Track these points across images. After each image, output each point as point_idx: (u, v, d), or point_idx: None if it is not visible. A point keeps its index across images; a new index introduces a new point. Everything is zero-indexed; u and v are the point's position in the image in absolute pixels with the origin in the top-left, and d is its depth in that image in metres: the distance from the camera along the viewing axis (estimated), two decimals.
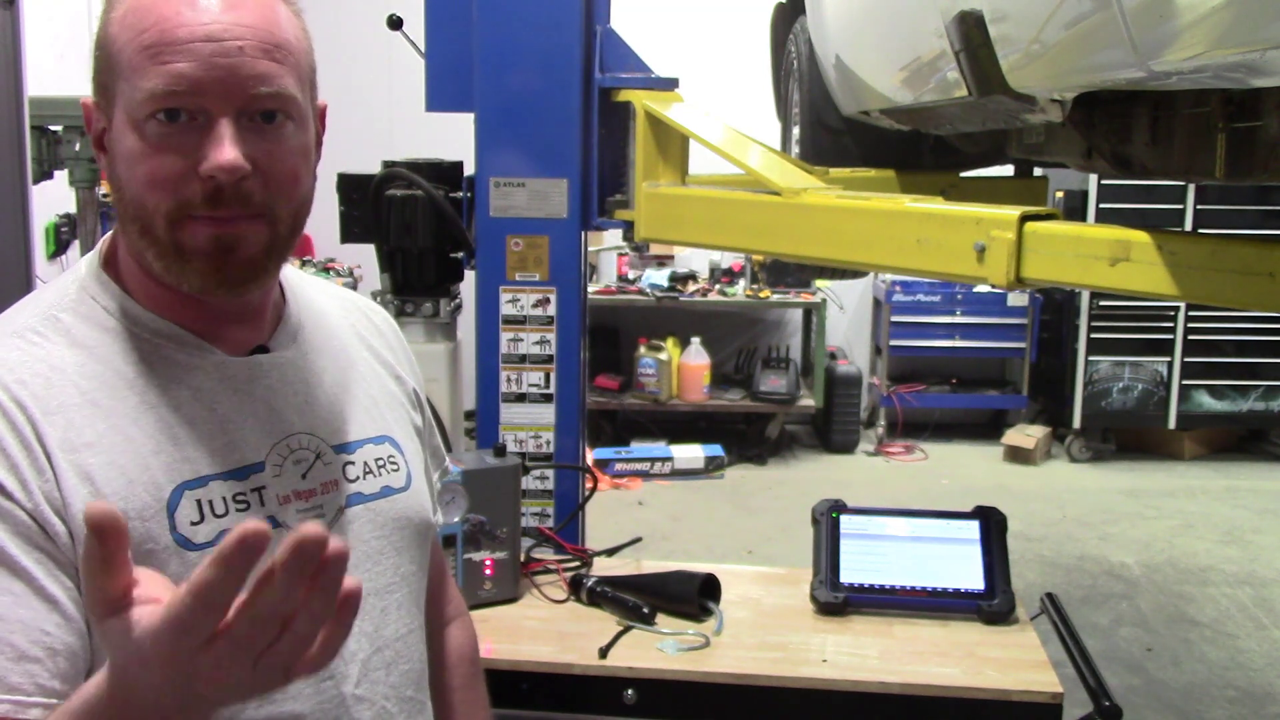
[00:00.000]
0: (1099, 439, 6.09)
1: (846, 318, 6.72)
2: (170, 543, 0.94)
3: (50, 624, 0.89)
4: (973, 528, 2.09)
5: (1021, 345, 6.21)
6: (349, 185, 2.56)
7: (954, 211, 1.62)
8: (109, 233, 1.06)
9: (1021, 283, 1.50)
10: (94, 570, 0.70)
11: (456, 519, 1.97)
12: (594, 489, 2.38)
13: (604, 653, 1.84)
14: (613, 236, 5.11)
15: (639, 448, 5.84)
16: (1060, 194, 5.77)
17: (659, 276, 6.13)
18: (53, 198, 3.33)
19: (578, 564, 2.15)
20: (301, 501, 1.03)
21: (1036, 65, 1.56)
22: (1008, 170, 2.75)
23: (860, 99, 2.53)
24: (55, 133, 2.81)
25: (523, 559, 2.10)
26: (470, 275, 2.56)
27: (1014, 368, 6.45)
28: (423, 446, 1.22)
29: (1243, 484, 5.72)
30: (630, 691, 1.81)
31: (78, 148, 2.82)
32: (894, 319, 6.22)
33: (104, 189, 3.09)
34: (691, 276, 6.18)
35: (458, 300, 2.69)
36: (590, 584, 2.03)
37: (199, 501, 0.97)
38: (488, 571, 2.02)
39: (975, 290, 6.07)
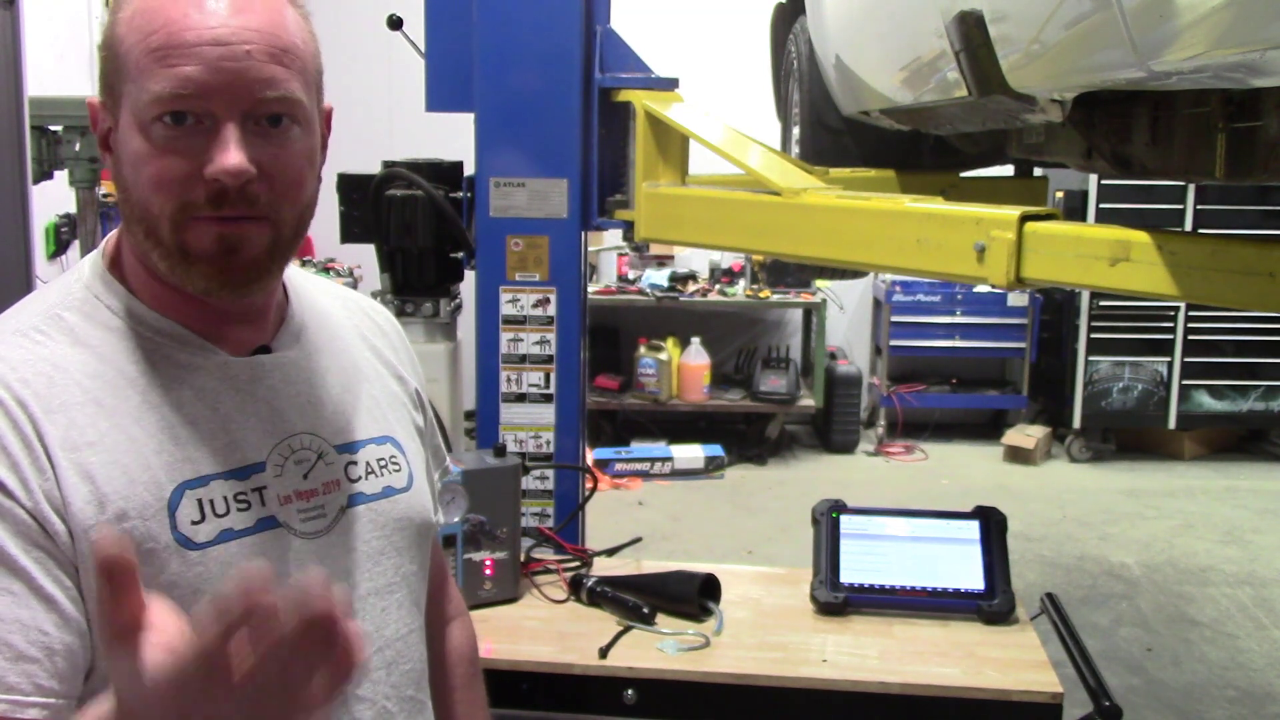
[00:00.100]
0: (1099, 439, 6.09)
1: (846, 318, 6.72)
2: (171, 541, 0.94)
3: (49, 624, 0.89)
4: (973, 528, 2.09)
5: (1021, 345, 6.21)
6: (349, 185, 2.56)
7: (954, 211, 1.62)
8: (112, 232, 1.06)
9: (1021, 283, 1.50)
10: (104, 598, 0.70)
11: (456, 519, 1.97)
12: (594, 489, 2.38)
13: (604, 653, 1.84)
14: (613, 236, 5.11)
15: (639, 448, 5.84)
16: (1060, 194, 5.77)
17: (659, 276, 6.13)
18: (53, 198, 3.34)
19: (578, 564, 2.15)
20: (303, 501, 1.03)
21: (1036, 65, 1.56)
22: (1008, 170, 2.75)
23: (860, 99, 2.53)
24: (55, 133, 2.81)
25: (523, 559, 2.10)
26: (470, 275, 2.56)
27: (1014, 368, 6.46)
28: (424, 447, 1.22)
29: (1243, 484, 5.72)
30: (630, 691, 1.81)
31: (78, 148, 2.82)
32: (894, 319, 6.22)
33: (104, 189, 3.09)
34: (691, 276, 6.18)
35: (458, 300, 2.69)
36: (590, 584, 2.03)
37: (200, 501, 0.97)
38: (488, 571, 2.02)
39: (975, 290, 6.07)
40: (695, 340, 6.04)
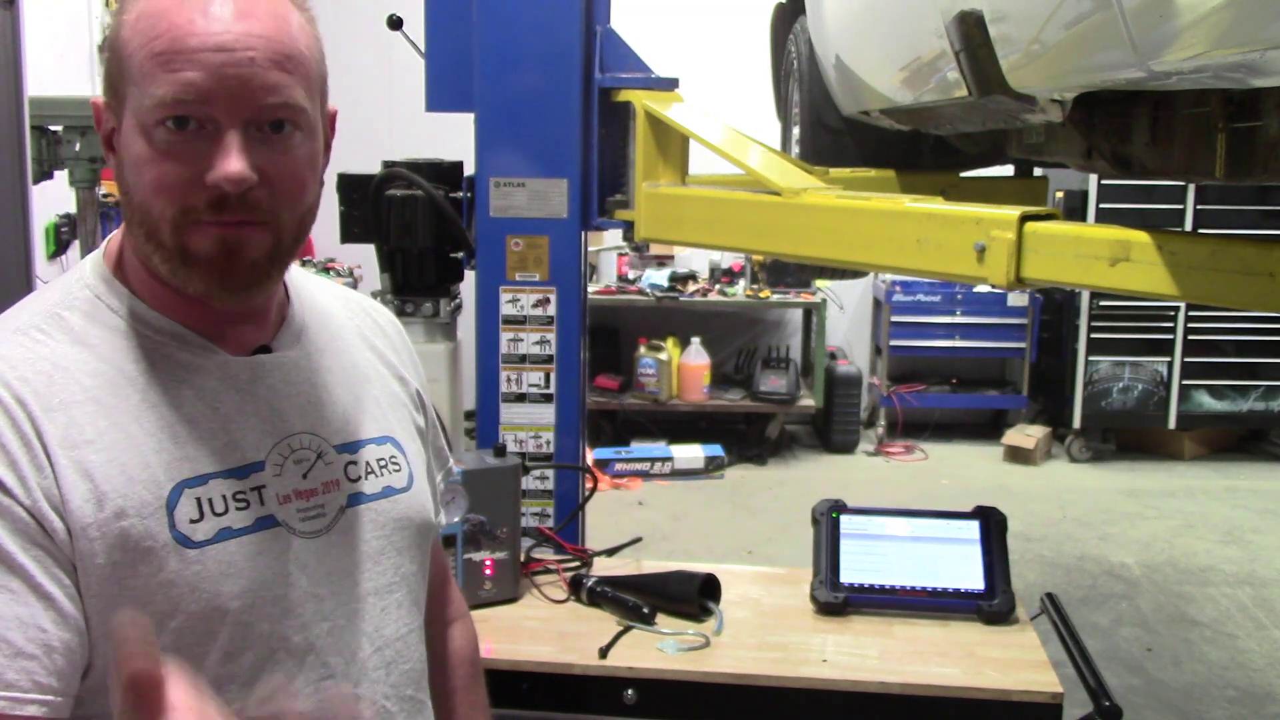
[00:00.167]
0: (1099, 439, 6.09)
1: (846, 318, 6.72)
2: (169, 540, 0.94)
3: (47, 621, 0.89)
4: (973, 528, 2.09)
5: (1021, 345, 6.21)
6: (349, 185, 2.56)
7: (954, 211, 1.62)
8: (115, 231, 1.06)
9: (1021, 283, 1.50)
10: (125, 709, 0.69)
11: (456, 519, 1.97)
12: (594, 489, 2.38)
13: (604, 653, 1.84)
14: (613, 236, 5.11)
15: (639, 448, 5.84)
16: (1060, 194, 5.76)
17: (659, 276, 6.13)
18: (53, 198, 3.34)
19: (578, 564, 2.15)
20: (302, 501, 1.03)
21: (1036, 65, 1.56)
22: (1008, 170, 2.75)
23: (860, 99, 2.52)
24: (55, 133, 2.81)
25: (523, 559, 2.10)
26: (470, 275, 2.56)
27: (1014, 368, 6.45)
28: (425, 447, 1.22)
29: (1243, 484, 5.72)
30: (630, 691, 1.81)
31: (78, 148, 2.81)
32: (894, 319, 6.22)
33: (104, 189, 3.09)
34: (691, 276, 6.18)
35: (458, 300, 2.69)
36: (590, 584, 2.03)
37: (199, 499, 0.97)
38: (488, 571, 2.02)
39: (975, 290, 6.07)
40: (695, 340, 6.04)
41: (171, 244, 0.95)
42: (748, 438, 6.18)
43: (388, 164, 2.54)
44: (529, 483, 2.44)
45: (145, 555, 0.93)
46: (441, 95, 2.50)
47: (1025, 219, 1.48)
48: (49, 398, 0.94)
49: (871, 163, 2.67)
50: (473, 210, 2.49)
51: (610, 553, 2.23)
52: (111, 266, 1.03)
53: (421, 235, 2.50)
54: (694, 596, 1.97)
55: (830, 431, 6.19)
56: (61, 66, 4.56)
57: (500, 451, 2.08)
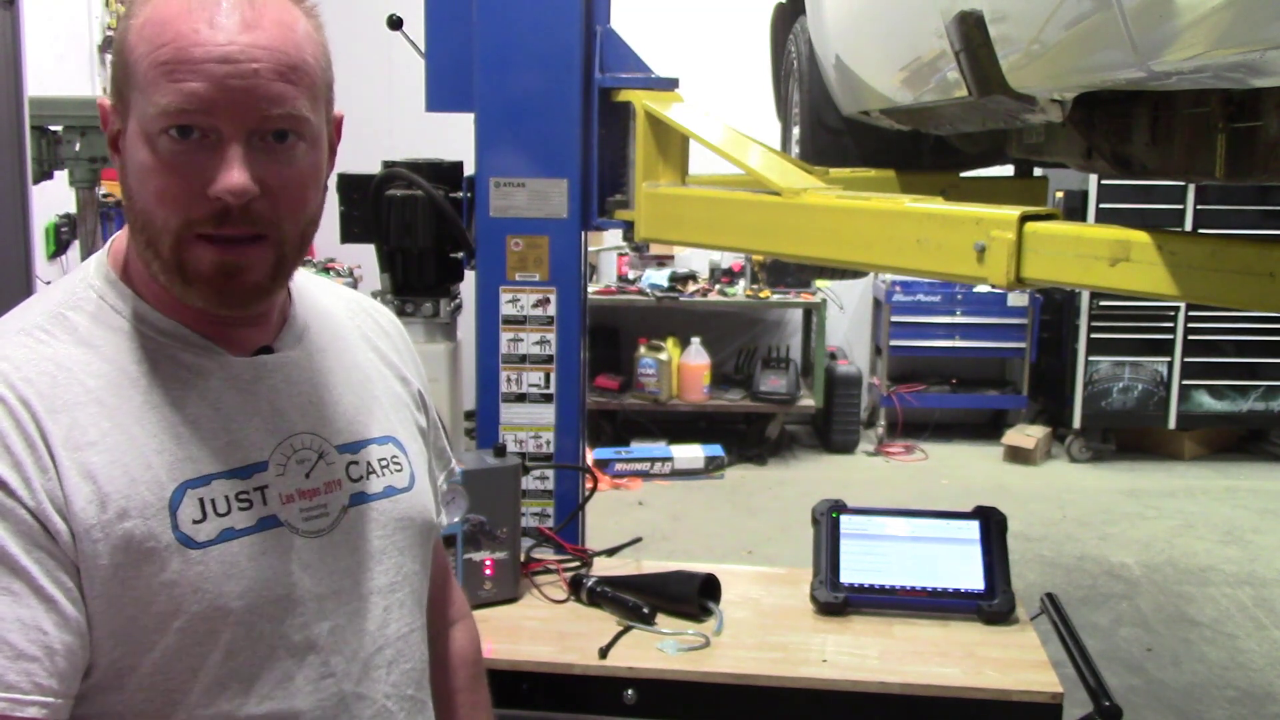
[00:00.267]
0: (1099, 439, 6.09)
1: (846, 318, 6.72)
2: (172, 541, 0.94)
3: (48, 623, 0.89)
4: (973, 528, 2.09)
5: (1021, 345, 6.21)
6: (349, 185, 2.56)
7: (954, 211, 1.62)
8: (119, 231, 1.06)
9: (1021, 283, 1.50)
10: None
11: (456, 519, 1.96)
12: (594, 489, 2.38)
13: (604, 653, 1.84)
14: (613, 236, 5.11)
15: (639, 448, 5.84)
16: (1060, 194, 5.77)
17: (659, 276, 6.13)
18: (53, 198, 3.34)
19: (578, 564, 2.15)
20: (304, 501, 1.04)
21: (1036, 65, 1.56)
22: (1008, 170, 2.75)
23: (860, 99, 2.53)
24: (55, 133, 2.81)
25: (523, 559, 2.10)
26: (470, 275, 2.56)
27: (1014, 368, 6.45)
28: (426, 447, 1.22)
29: (1243, 484, 5.72)
30: (630, 691, 1.81)
31: (78, 148, 2.82)
32: (894, 319, 6.22)
33: (104, 189, 3.09)
34: (691, 276, 6.18)
35: (458, 300, 2.69)
36: (590, 584, 2.03)
37: (201, 500, 0.97)
38: (488, 571, 2.02)
39: (975, 290, 6.07)
40: (695, 340, 6.04)
41: (170, 257, 0.95)
42: (748, 438, 6.18)
43: (388, 164, 2.54)
44: (529, 483, 2.44)
45: (148, 556, 0.93)
46: (441, 95, 2.50)
47: (1025, 219, 1.48)
48: (53, 399, 0.94)
49: (871, 163, 2.67)
50: (473, 210, 2.49)
51: (610, 553, 2.23)
52: (116, 267, 1.03)
53: (421, 235, 2.50)
54: (694, 596, 1.97)
55: (830, 431, 6.19)
56: (61, 66, 4.56)
57: (500, 451, 2.08)
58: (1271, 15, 0.96)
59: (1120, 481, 5.73)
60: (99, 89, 4.79)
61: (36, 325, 0.99)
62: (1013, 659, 1.86)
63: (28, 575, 0.89)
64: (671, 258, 6.31)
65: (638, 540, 2.28)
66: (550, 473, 2.54)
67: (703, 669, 1.82)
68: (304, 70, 0.96)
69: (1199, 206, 5.66)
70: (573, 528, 2.47)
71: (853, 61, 2.49)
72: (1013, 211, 1.50)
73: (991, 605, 1.98)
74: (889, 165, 2.61)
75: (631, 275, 6.25)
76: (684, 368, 6.03)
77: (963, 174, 2.67)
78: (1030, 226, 1.47)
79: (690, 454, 5.74)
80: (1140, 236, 1.33)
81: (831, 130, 2.81)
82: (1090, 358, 5.94)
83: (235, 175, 0.92)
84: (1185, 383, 5.93)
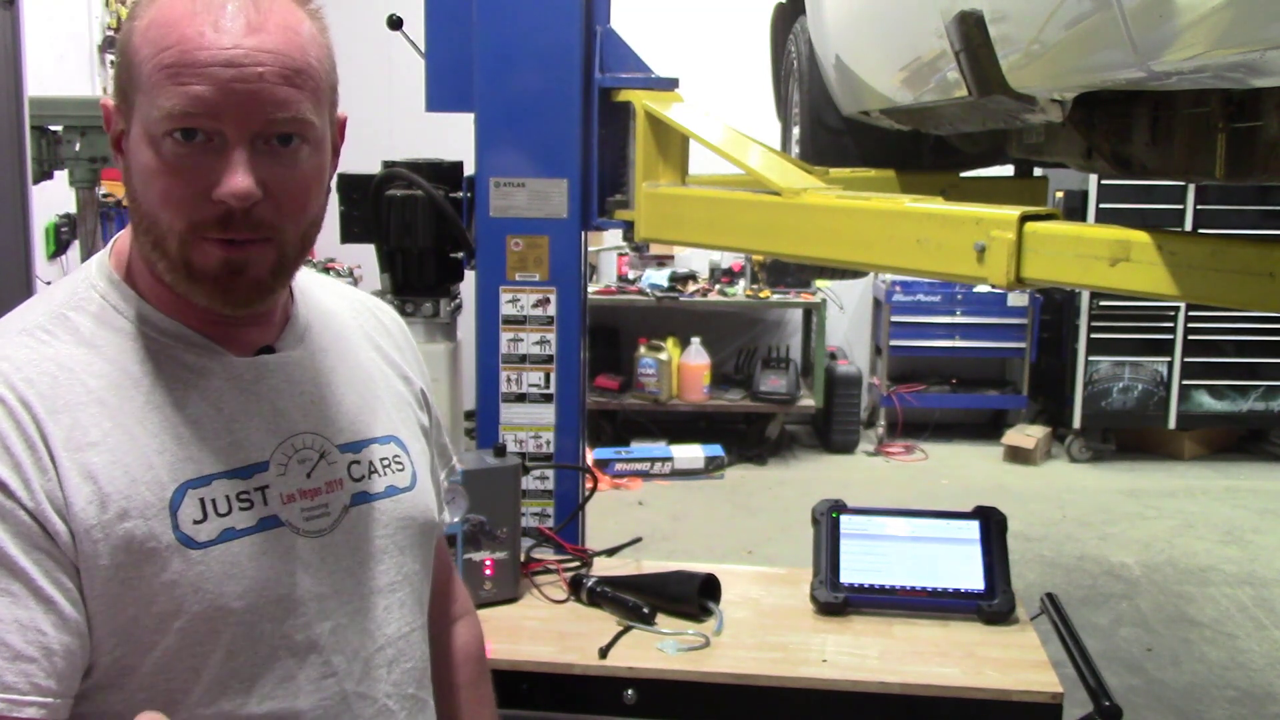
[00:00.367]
0: (1099, 439, 6.09)
1: (846, 318, 6.72)
2: (173, 541, 0.95)
3: (47, 624, 0.89)
4: (973, 528, 2.09)
5: (1021, 345, 6.21)
6: (349, 185, 2.56)
7: (954, 211, 1.62)
8: (121, 232, 1.06)
9: (1021, 283, 1.50)
10: None
11: (456, 519, 1.96)
12: (594, 489, 2.38)
13: (604, 653, 1.84)
14: (613, 236, 5.11)
15: (639, 448, 5.84)
16: (1060, 194, 5.77)
17: (659, 276, 6.13)
18: (53, 198, 3.34)
19: (578, 564, 2.15)
20: (305, 500, 1.04)
21: (1036, 65, 1.56)
22: (1008, 170, 2.75)
23: (860, 99, 2.52)
24: (55, 133, 2.81)
25: (523, 559, 2.10)
26: (470, 275, 2.56)
27: (1014, 368, 6.45)
28: (429, 446, 1.23)
29: (1243, 484, 5.72)
30: (630, 691, 1.81)
31: (78, 148, 2.82)
32: (894, 319, 6.22)
33: (104, 189, 3.09)
34: (691, 276, 6.18)
35: (458, 300, 2.69)
36: (590, 584, 2.03)
37: (202, 500, 0.97)
38: (488, 571, 2.02)
39: (975, 290, 6.07)
40: (695, 340, 6.04)
41: (176, 257, 0.96)
42: (748, 438, 6.18)
43: (388, 164, 2.54)
44: (529, 483, 2.44)
45: (149, 556, 0.93)
46: (441, 95, 2.50)
47: (1025, 219, 1.48)
48: (54, 399, 0.94)
49: (871, 163, 2.67)
50: (473, 210, 2.49)
51: (610, 553, 2.23)
52: (118, 268, 1.04)
53: (421, 235, 2.50)
54: (694, 596, 1.97)
55: (830, 431, 6.19)
56: (61, 66, 4.56)
57: (500, 451, 2.08)
58: (1271, 15, 0.96)
59: (1120, 481, 5.73)
60: (99, 89, 4.79)
61: (38, 325, 0.99)
62: (1013, 659, 1.86)
63: (26, 576, 0.89)
64: (671, 258, 6.31)
65: (638, 540, 2.28)
66: (550, 473, 2.54)
67: (703, 669, 1.82)
68: (308, 74, 0.96)
69: (1199, 206, 5.66)
70: (573, 528, 2.47)
71: (853, 61, 2.49)
72: (1013, 211, 1.49)
73: (991, 605, 1.98)
74: (889, 165, 2.61)
75: (631, 275, 6.25)
76: (684, 368, 6.03)
77: (963, 174, 2.67)
78: (1030, 226, 1.47)
79: (690, 454, 5.74)
80: (1140, 236, 1.33)
81: (831, 130, 2.81)
82: (1090, 358, 5.94)
83: (239, 179, 0.92)
84: (1185, 383, 5.93)
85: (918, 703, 1.78)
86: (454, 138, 2.72)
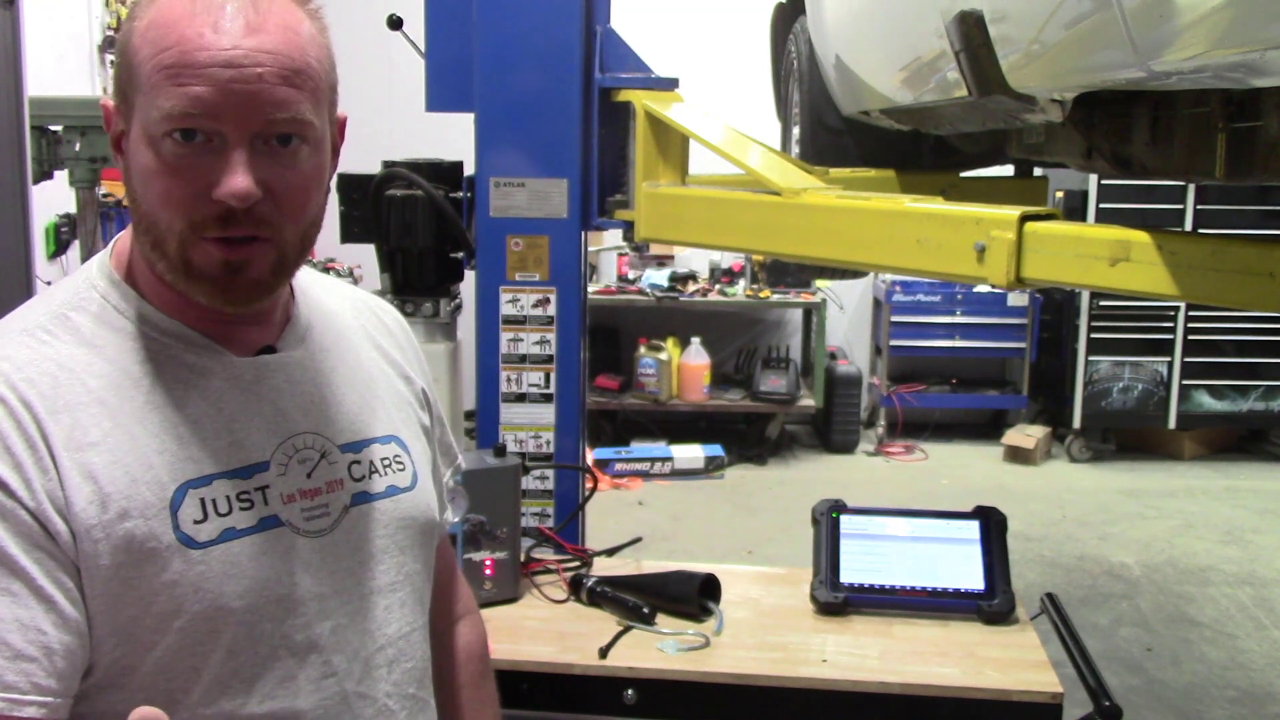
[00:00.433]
0: (1099, 439, 6.09)
1: (846, 318, 6.72)
2: (173, 541, 0.95)
3: (47, 624, 0.89)
4: (973, 528, 2.09)
5: (1021, 345, 6.21)
6: (349, 185, 2.56)
7: (954, 211, 1.62)
8: (121, 232, 1.06)
9: (1021, 283, 1.50)
10: None
11: (456, 519, 1.96)
12: (594, 489, 2.38)
13: (604, 653, 1.84)
14: (613, 236, 5.11)
15: (639, 448, 5.84)
16: (1060, 194, 5.76)
17: (659, 276, 6.13)
18: (53, 198, 3.34)
19: (578, 564, 2.15)
20: (306, 500, 1.04)
21: (1036, 65, 1.56)
22: (1008, 170, 2.75)
23: (860, 99, 2.53)
24: (55, 133, 2.81)
25: (523, 559, 2.10)
26: (470, 275, 2.56)
27: (1014, 368, 6.45)
28: (430, 445, 1.23)
29: (1243, 484, 5.72)
30: (630, 691, 1.81)
31: (78, 148, 2.81)
32: (894, 319, 6.22)
33: (104, 189, 3.09)
34: (691, 276, 6.18)
35: (458, 300, 2.69)
36: (590, 584, 2.03)
37: (202, 500, 0.97)
38: (488, 571, 2.02)
39: (975, 290, 6.07)
40: (695, 340, 6.04)
41: (176, 256, 0.96)
42: (748, 438, 6.18)
43: (388, 164, 2.54)
44: (529, 483, 2.44)
45: (149, 556, 0.93)
46: (441, 95, 2.50)
47: (1025, 219, 1.48)
48: (54, 399, 0.94)
49: (871, 163, 2.67)
50: (473, 210, 2.49)
51: (610, 553, 2.23)
52: (119, 268, 1.04)
53: (421, 235, 2.50)
54: (694, 596, 1.97)
55: (830, 431, 6.19)
56: (61, 66, 4.55)
57: (500, 451, 2.08)
58: (1271, 15, 0.96)
59: (1120, 481, 5.73)
60: (99, 89, 4.79)
61: (39, 325, 0.99)
62: (1013, 659, 1.86)
63: (27, 576, 0.89)
64: (671, 258, 6.31)
65: (638, 540, 2.28)
66: (550, 473, 2.54)
67: (703, 669, 1.82)
68: (308, 74, 0.96)
69: (1199, 206, 5.66)
70: (573, 528, 2.47)
71: (853, 61, 2.49)
72: (1013, 211, 1.50)
73: (991, 605, 1.98)
74: (889, 165, 2.61)
75: (631, 275, 6.25)
76: (684, 368, 6.03)
77: (963, 174, 2.67)
78: (1030, 226, 1.47)
79: (690, 454, 5.74)
80: (1140, 236, 1.33)
81: (831, 130, 2.81)
82: (1090, 358, 5.94)
83: (239, 179, 0.93)
84: (1185, 383, 5.93)
85: (918, 703, 1.78)
86: (454, 138, 2.72)
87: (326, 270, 5.43)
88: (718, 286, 6.17)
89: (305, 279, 1.14)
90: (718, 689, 1.81)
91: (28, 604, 0.89)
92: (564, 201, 2.45)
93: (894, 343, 6.26)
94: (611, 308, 6.15)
